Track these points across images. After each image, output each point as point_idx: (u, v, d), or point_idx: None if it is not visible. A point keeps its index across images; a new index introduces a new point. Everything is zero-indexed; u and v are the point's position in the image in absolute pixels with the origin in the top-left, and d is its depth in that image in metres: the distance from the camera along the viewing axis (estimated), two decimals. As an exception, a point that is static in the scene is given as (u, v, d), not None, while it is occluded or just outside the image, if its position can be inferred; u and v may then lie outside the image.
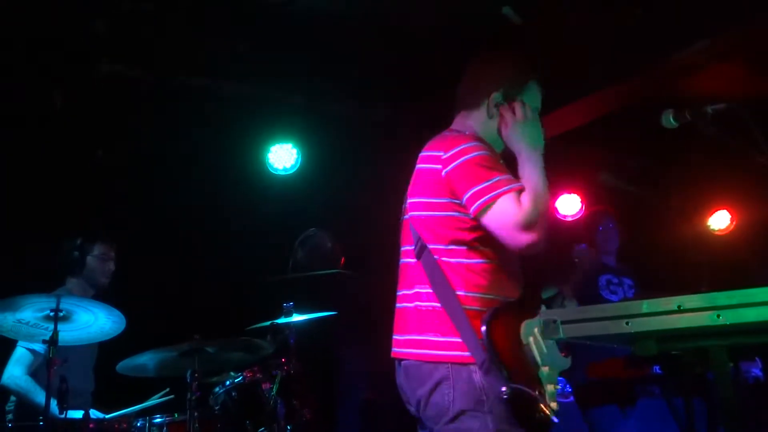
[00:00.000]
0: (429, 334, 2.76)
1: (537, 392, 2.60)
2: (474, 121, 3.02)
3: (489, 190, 2.70)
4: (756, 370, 4.77)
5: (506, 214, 2.67)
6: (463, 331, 2.68)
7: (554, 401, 2.62)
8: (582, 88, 5.94)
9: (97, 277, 4.92)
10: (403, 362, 2.85)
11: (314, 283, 5.43)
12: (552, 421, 2.60)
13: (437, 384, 2.71)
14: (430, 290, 2.78)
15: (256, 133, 6.26)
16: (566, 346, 2.69)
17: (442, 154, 2.81)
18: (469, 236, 2.79)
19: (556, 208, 7.08)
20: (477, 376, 2.67)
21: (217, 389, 4.41)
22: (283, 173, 6.31)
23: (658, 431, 4.66)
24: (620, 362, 4.53)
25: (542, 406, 2.59)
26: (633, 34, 5.24)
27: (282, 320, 4.74)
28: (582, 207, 7.00)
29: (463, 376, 2.68)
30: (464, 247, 2.79)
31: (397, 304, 2.96)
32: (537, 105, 3.02)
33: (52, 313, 3.94)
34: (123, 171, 5.89)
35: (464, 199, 2.73)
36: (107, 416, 4.44)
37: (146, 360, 4.29)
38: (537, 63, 3.08)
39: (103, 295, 4.85)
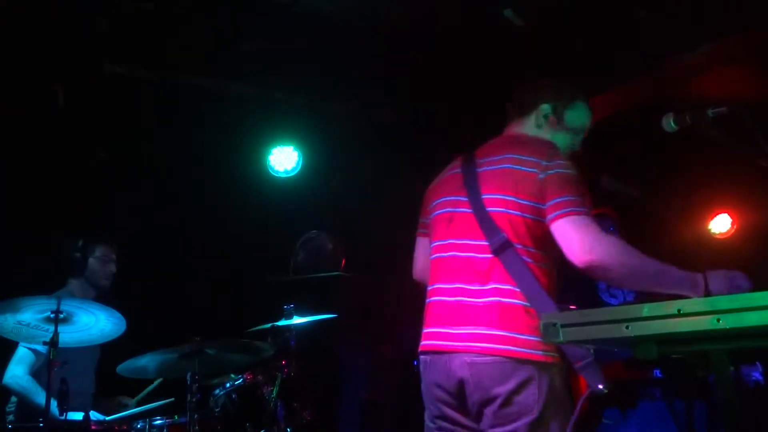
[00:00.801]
0: (517, 332, 2.78)
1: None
2: (526, 130, 3.18)
3: (581, 204, 2.81)
4: (756, 374, 4.77)
5: (585, 229, 2.77)
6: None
7: None
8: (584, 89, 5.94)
9: (98, 279, 4.93)
10: (466, 357, 2.83)
11: (315, 285, 5.43)
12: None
13: (524, 383, 2.75)
14: (516, 288, 2.82)
15: (257, 134, 6.26)
16: None
17: (539, 160, 2.92)
18: (553, 244, 2.87)
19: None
20: (558, 378, 2.76)
21: (217, 391, 4.41)
22: (284, 176, 6.32)
23: (658, 434, 4.66)
24: (621, 365, 4.52)
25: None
26: (635, 36, 5.24)
27: (283, 322, 4.74)
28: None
29: (547, 377, 2.76)
30: (549, 254, 2.89)
31: (456, 297, 2.94)
32: (585, 122, 3.25)
33: (52, 315, 3.93)
34: (124, 172, 5.90)
35: (550, 202, 2.83)
36: (107, 418, 4.44)
37: (146, 362, 4.28)
38: (583, 83, 3.25)
39: (104, 296, 4.85)
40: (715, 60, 5.43)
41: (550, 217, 2.82)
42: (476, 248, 2.92)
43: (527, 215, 2.87)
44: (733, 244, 7.26)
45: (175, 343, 4.20)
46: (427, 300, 3.08)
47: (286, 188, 6.35)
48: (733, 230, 7.37)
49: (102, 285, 4.94)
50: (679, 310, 2.03)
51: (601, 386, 2.62)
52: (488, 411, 2.79)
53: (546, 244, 2.87)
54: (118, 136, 5.80)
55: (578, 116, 3.22)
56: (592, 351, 2.65)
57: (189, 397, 4.09)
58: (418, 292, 3.22)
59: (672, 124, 2.88)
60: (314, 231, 5.94)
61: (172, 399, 4.54)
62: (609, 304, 5.27)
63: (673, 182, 6.70)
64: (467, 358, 2.83)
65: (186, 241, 6.01)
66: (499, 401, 2.76)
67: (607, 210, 6.00)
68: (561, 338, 2.17)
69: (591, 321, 2.17)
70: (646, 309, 2.08)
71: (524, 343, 2.77)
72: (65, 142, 5.58)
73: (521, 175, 2.92)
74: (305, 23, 5.15)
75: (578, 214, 2.79)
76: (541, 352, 2.75)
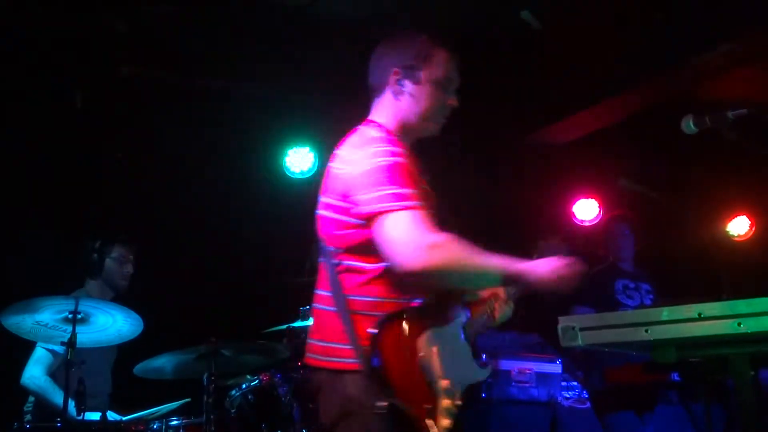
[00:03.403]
0: (322, 339, 2.62)
1: (424, 408, 2.42)
2: (386, 106, 2.85)
3: (389, 199, 2.51)
4: (774, 377, 4.73)
5: (400, 229, 2.48)
6: (351, 337, 2.51)
7: (446, 418, 2.43)
8: (602, 92, 5.92)
9: (115, 280, 4.94)
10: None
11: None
12: None
13: (316, 394, 2.60)
14: (328, 293, 2.65)
15: (273, 135, 6.27)
16: (489, 355, 2.55)
17: (351, 155, 2.67)
18: (361, 239, 2.61)
19: (573, 214, 7.06)
20: (351, 386, 2.49)
21: (233, 392, 4.41)
22: (300, 177, 6.33)
23: (675, 438, 4.63)
24: (638, 368, 4.50)
25: (428, 423, 2.39)
26: (654, 38, 5.21)
27: (298, 323, 4.73)
28: (600, 212, 6.96)
29: (337, 385, 2.54)
30: (357, 251, 2.62)
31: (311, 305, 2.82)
32: (449, 72, 2.86)
33: (70, 315, 3.95)
34: (141, 172, 5.92)
35: (359, 200, 2.56)
36: (124, 418, 4.45)
37: (163, 362, 4.29)
38: (440, 35, 2.89)
39: (121, 297, 4.87)
40: (734, 60, 5.39)
41: (366, 213, 2.55)
42: (321, 253, 2.79)
43: (336, 215, 2.65)
44: (751, 246, 7.22)
45: (192, 343, 4.21)
46: None
47: (302, 189, 6.34)
48: (751, 232, 7.33)
49: (119, 285, 4.95)
50: (699, 314, 2.01)
51: (379, 403, 2.38)
52: None
53: (354, 246, 2.62)
54: (135, 137, 5.82)
55: (438, 67, 2.81)
56: (372, 359, 2.42)
57: (205, 398, 4.10)
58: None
59: (692, 125, 2.84)
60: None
61: (189, 399, 4.54)
62: (626, 306, 5.24)
63: (692, 184, 6.66)
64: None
65: (202, 241, 6.02)
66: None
67: (624, 212, 5.98)
68: (580, 342, 2.16)
69: (610, 324, 2.16)
70: (666, 313, 2.07)
71: (323, 349, 2.59)
72: (82, 143, 5.60)
73: (334, 173, 2.70)
74: (322, 24, 5.15)
75: (399, 210, 2.49)
76: (336, 359, 2.54)
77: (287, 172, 6.31)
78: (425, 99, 2.81)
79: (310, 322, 2.83)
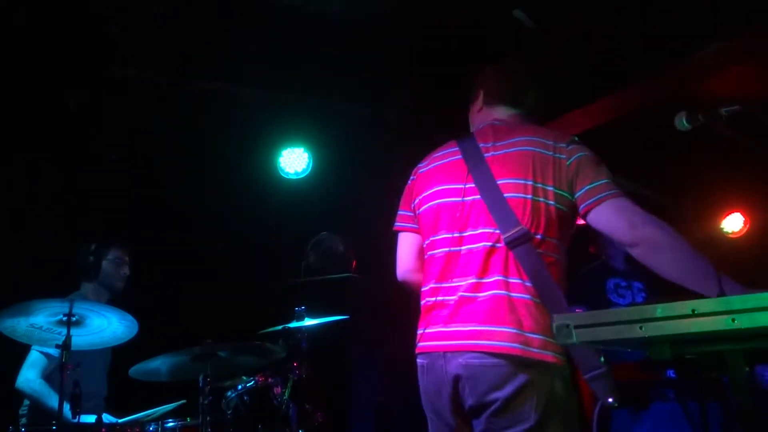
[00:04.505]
0: (526, 330, 2.60)
1: None
2: (519, 116, 3.06)
3: (616, 185, 2.68)
4: (770, 374, 4.74)
5: (631, 208, 2.63)
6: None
7: None
8: (595, 89, 5.92)
9: (112, 282, 4.95)
10: (461, 358, 2.65)
11: (326, 286, 5.42)
12: None
13: (522, 387, 2.56)
14: (527, 282, 2.63)
15: (267, 136, 6.27)
16: None
17: (560, 144, 2.76)
18: (569, 236, 2.77)
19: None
20: (559, 382, 2.59)
21: (229, 393, 4.41)
22: (294, 177, 6.32)
23: (671, 436, 4.63)
24: (633, 366, 4.50)
25: None
26: (647, 35, 5.22)
27: (294, 324, 4.73)
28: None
29: (548, 380, 2.58)
30: (562, 245, 2.74)
31: (460, 294, 2.72)
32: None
33: (64, 318, 3.94)
34: (135, 174, 5.91)
35: (583, 188, 2.68)
36: (120, 421, 4.45)
37: (159, 364, 4.29)
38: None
39: (116, 299, 4.86)
40: (727, 58, 5.40)
41: (588, 203, 2.67)
42: (486, 238, 2.71)
43: (551, 202, 2.70)
44: (745, 243, 7.24)
45: (187, 345, 4.20)
46: (427, 300, 2.86)
47: (297, 190, 6.35)
48: (745, 229, 7.34)
49: (116, 288, 4.97)
50: (693, 311, 2.01)
51: (611, 399, 2.45)
52: (482, 417, 2.62)
53: (562, 234, 2.72)
54: (130, 139, 5.82)
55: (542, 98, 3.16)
56: (602, 359, 2.48)
57: (201, 399, 4.10)
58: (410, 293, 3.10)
59: (684, 122, 2.84)
60: (325, 233, 5.92)
61: (184, 401, 4.54)
62: (617, 305, 5.25)
63: (686, 181, 6.68)
64: (462, 360, 2.64)
65: (197, 243, 6.02)
66: (494, 407, 2.58)
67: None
68: (575, 339, 2.16)
69: (604, 322, 2.16)
70: (660, 309, 2.06)
71: (532, 341, 2.58)
72: (76, 145, 5.59)
73: (545, 159, 2.72)
74: (316, 24, 5.15)
75: (618, 196, 2.65)
76: (549, 353, 2.57)
77: (282, 173, 6.31)
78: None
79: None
